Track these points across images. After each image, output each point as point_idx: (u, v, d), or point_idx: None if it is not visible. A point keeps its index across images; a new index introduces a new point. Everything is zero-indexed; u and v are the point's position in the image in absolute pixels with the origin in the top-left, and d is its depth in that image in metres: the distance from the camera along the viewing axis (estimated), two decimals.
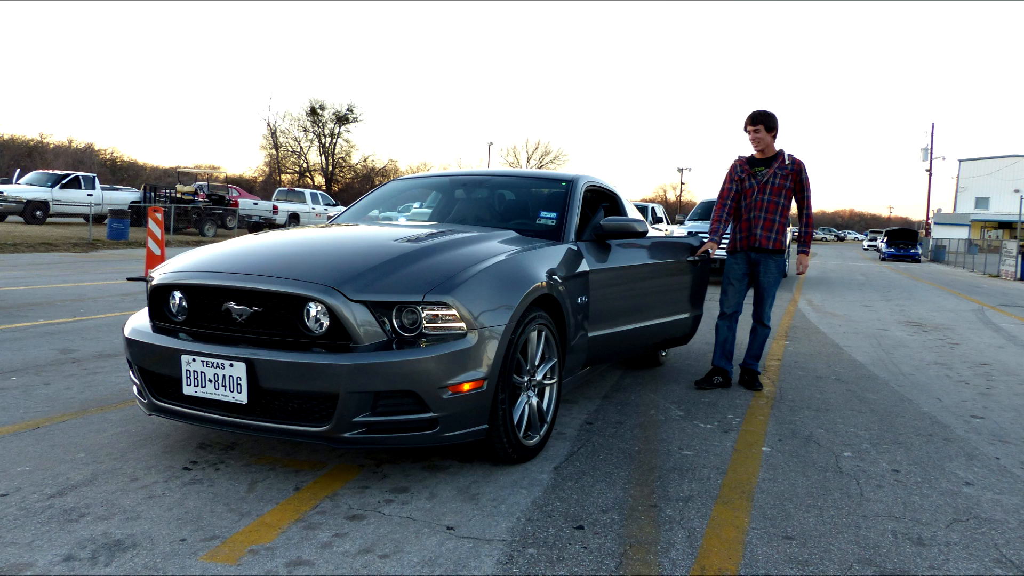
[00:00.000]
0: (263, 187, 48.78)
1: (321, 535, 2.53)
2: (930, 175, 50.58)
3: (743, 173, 5.01)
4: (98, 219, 23.54)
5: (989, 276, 23.11)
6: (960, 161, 68.62)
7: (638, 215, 4.91)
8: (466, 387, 2.92)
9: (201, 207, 25.33)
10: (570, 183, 4.53)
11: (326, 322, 2.89)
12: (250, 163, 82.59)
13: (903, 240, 35.21)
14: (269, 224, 28.04)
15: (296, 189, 34.77)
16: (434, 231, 3.80)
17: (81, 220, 25.29)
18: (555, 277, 3.56)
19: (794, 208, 5.15)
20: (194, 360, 2.93)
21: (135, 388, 3.29)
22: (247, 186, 45.88)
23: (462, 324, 2.93)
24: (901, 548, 2.61)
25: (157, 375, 3.14)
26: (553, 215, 4.27)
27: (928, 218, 53.08)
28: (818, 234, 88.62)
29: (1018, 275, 21.41)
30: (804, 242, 5.16)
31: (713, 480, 3.22)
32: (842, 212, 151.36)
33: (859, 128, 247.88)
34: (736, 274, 5.05)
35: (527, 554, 2.45)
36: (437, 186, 5.14)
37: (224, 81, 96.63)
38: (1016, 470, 3.53)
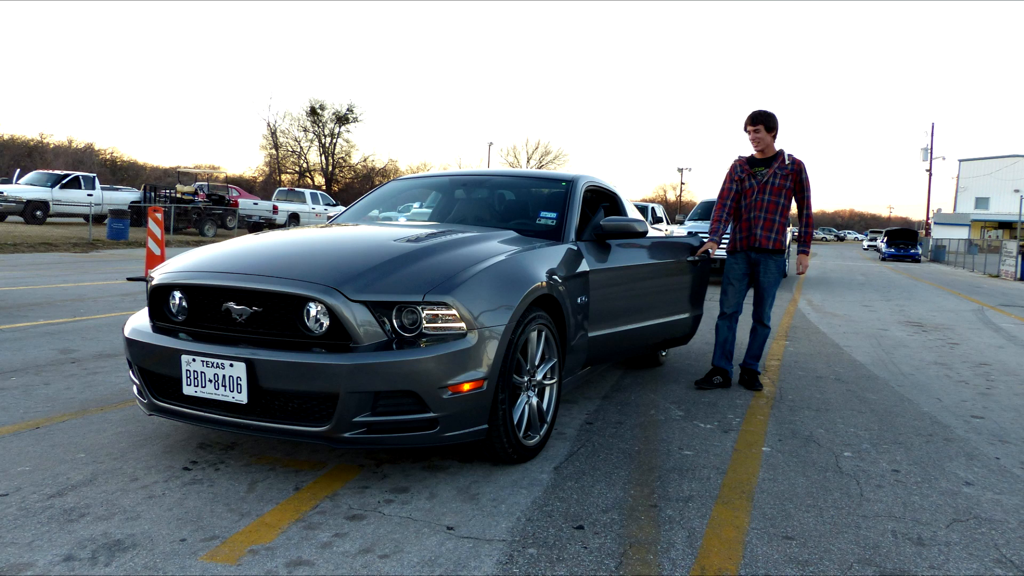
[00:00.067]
0: (263, 187, 48.78)
1: (321, 535, 2.53)
2: (930, 175, 50.60)
3: (743, 173, 5.01)
4: (98, 219, 23.54)
5: (989, 276, 23.11)
6: (960, 161, 68.65)
7: (638, 215, 4.91)
8: (466, 387, 2.92)
9: (201, 207, 25.33)
10: (570, 183, 4.53)
11: (326, 322, 2.89)
12: (250, 163, 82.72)
13: (903, 240, 35.22)
14: (269, 224, 28.04)
15: (296, 189, 34.77)
16: (434, 231, 3.80)
17: (81, 220, 25.29)
18: (555, 277, 3.56)
19: (794, 208, 5.15)
20: (194, 360, 2.93)
21: (135, 388, 3.29)
22: (247, 186, 45.88)
23: (462, 324, 2.93)
24: (901, 548, 2.61)
25: (157, 375, 3.14)
26: (553, 215, 4.27)
27: (928, 218, 53.08)
28: (818, 234, 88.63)
29: (1018, 275, 21.41)
30: (804, 242, 5.16)
31: (713, 480, 3.22)
32: (842, 212, 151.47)
33: (859, 128, 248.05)
34: (736, 274, 5.05)
35: (527, 554, 2.45)
36: (437, 186, 5.14)
37: (224, 81, 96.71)
38: (1016, 470, 3.53)
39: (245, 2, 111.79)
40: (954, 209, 67.98)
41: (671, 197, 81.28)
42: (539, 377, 3.42)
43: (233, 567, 2.29)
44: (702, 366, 5.71)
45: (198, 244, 17.85)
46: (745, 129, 4.97)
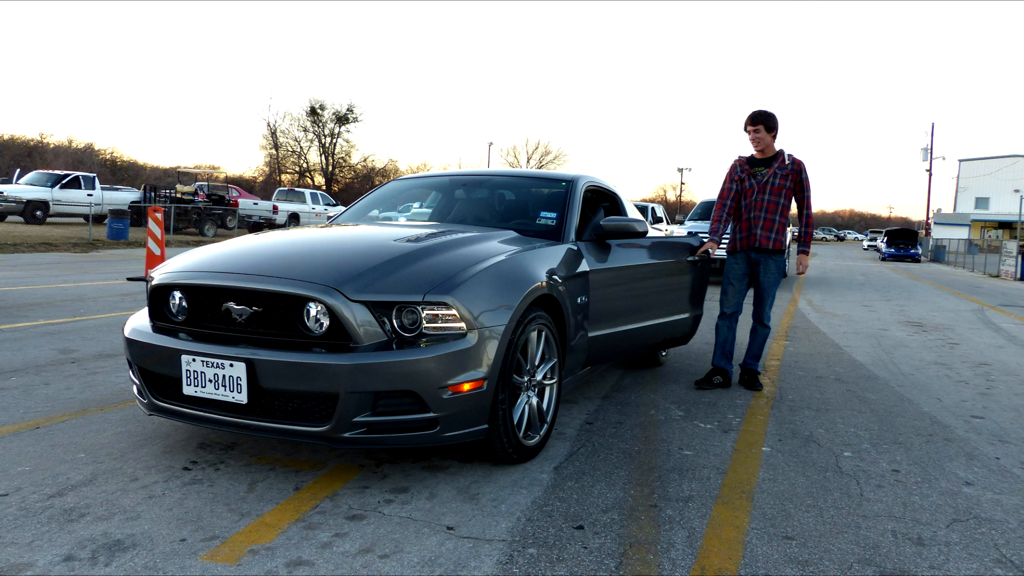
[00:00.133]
0: (263, 187, 48.79)
1: (321, 535, 2.53)
2: (930, 175, 50.59)
3: (743, 173, 5.01)
4: (98, 219, 23.54)
5: (989, 276, 23.11)
6: (960, 161, 68.65)
7: (638, 215, 4.91)
8: (466, 387, 2.92)
9: (201, 207, 25.33)
10: (570, 183, 4.53)
11: (326, 322, 2.89)
12: (250, 163, 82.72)
13: (903, 240, 35.22)
14: (269, 224, 28.04)
15: (296, 189, 34.77)
16: (434, 231, 3.80)
17: (81, 220, 25.29)
18: (555, 277, 3.56)
19: (794, 208, 5.15)
20: (194, 360, 2.93)
21: (135, 388, 3.29)
22: (247, 186, 45.88)
23: (462, 324, 2.93)
24: (901, 548, 2.61)
25: (157, 375, 3.14)
26: (553, 215, 4.27)
27: (928, 218, 53.07)
28: (818, 234, 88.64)
29: (1018, 275, 21.41)
30: (804, 242, 5.16)
31: (713, 480, 3.22)
32: (842, 212, 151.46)
33: (859, 128, 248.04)
34: (736, 274, 5.05)
35: (527, 554, 2.45)
36: (437, 186, 5.14)
37: (224, 81, 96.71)
38: (1016, 470, 3.53)
39: (245, 2, 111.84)
40: (954, 209, 67.98)
41: (671, 197, 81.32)
42: (539, 377, 3.42)
43: (233, 567, 2.29)
44: (702, 366, 5.71)
45: (198, 244, 17.85)
46: (745, 129, 4.98)
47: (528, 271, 3.36)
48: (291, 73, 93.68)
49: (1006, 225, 57.27)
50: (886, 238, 36.92)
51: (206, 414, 2.99)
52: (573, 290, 3.76)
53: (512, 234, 3.91)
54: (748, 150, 5.08)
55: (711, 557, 2.49)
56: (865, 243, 59.64)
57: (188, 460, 3.21)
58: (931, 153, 50.53)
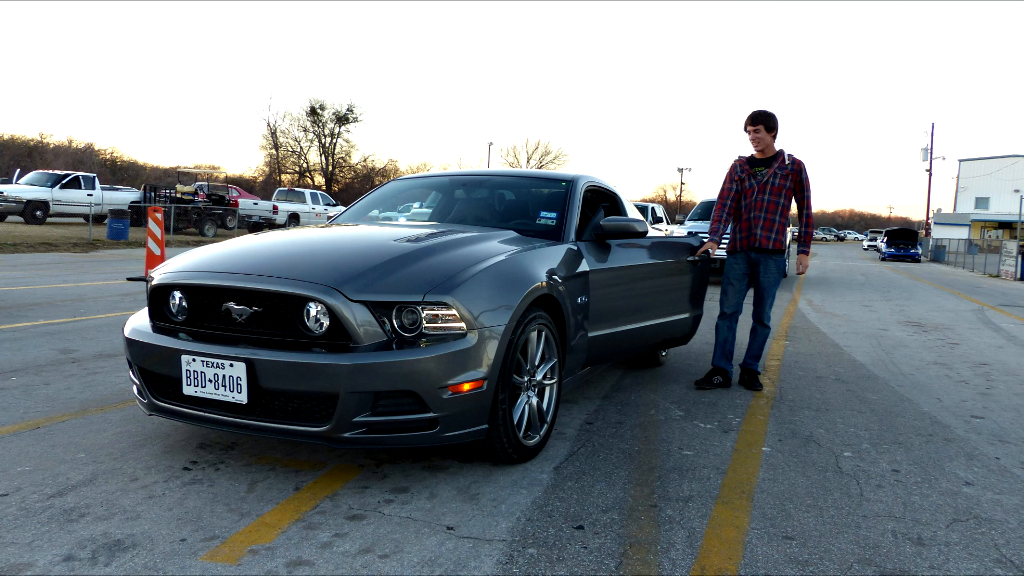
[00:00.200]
0: (263, 187, 48.78)
1: (321, 535, 2.53)
2: (930, 175, 50.60)
3: (743, 173, 5.01)
4: (98, 219, 23.54)
5: (989, 276, 23.11)
6: (960, 161, 68.65)
7: (638, 215, 4.91)
8: (466, 387, 2.92)
9: (201, 207, 25.33)
10: (570, 183, 4.53)
11: (326, 322, 2.89)
12: (250, 163, 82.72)
13: (903, 240, 35.22)
14: (269, 224, 28.04)
15: (296, 189, 34.77)
16: (434, 231, 3.80)
17: (81, 220, 25.29)
18: (555, 277, 3.56)
19: (794, 208, 5.15)
20: (194, 360, 2.93)
21: (135, 388, 3.29)
22: (247, 186, 45.88)
23: (462, 324, 2.93)
24: (901, 548, 2.61)
25: (157, 375, 3.14)
26: (553, 215, 4.27)
27: (928, 218, 53.08)
28: (818, 234, 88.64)
29: (1018, 275, 21.41)
30: (804, 242, 5.16)
31: (713, 480, 3.22)
32: (842, 212, 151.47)
33: (859, 128, 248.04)
34: (736, 274, 5.05)
35: (527, 554, 2.45)
36: (437, 186, 5.14)
37: (224, 81, 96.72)
38: (1016, 470, 3.53)
39: (245, 2, 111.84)
40: (954, 209, 67.98)
41: (671, 197, 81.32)
42: (539, 377, 3.42)
43: (233, 567, 2.29)
44: (702, 366, 5.71)
45: (198, 244, 17.85)
46: (745, 129, 4.98)
47: (528, 271, 3.36)
48: (291, 73, 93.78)
49: (1006, 225, 57.27)
50: (886, 238, 36.92)
51: (206, 414, 2.99)
52: (573, 290, 3.76)
53: (512, 234, 3.91)
54: (748, 150, 5.08)
55: (711, 557, 2.49)
56: (865, 243, 59.65)
57: (188, 460, 3.21)
58: (931, 153, 50.54)
